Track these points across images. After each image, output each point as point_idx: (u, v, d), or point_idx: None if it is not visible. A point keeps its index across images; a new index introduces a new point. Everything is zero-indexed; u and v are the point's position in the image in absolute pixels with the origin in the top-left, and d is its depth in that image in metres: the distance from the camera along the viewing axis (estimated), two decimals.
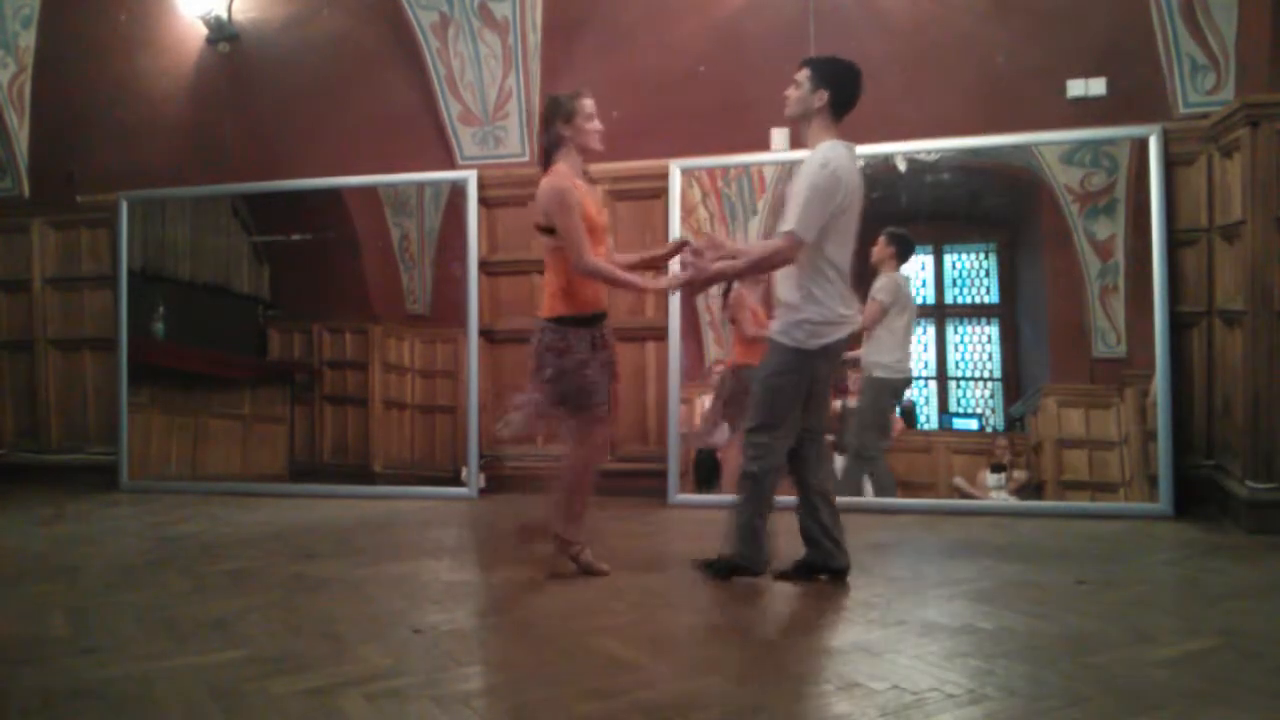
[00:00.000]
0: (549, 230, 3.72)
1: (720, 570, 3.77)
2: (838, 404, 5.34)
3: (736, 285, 5.18)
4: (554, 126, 3.79)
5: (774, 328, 3.71)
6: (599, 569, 3.86)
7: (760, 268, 3.88)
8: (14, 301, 6.70)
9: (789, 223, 3.55)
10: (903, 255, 5.27)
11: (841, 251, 3.65)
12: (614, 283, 3.80)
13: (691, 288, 3.94)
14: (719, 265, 3.75)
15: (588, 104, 3.80)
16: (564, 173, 3.74)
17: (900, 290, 5.25)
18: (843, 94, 3.67)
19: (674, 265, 4.52)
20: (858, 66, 3.71)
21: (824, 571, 3.74)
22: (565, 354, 3.70)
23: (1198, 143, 4.87)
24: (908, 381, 5.39)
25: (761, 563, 3.73)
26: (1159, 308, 4.86)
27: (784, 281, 3.72)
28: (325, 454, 6.15)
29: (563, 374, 3.69)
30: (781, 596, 3.57)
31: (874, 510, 5.12)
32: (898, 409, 5.45)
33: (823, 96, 3.64)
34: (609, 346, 3.84)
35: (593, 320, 3.78)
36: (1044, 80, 5.14)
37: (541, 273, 5.76)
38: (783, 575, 3.76)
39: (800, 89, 3.68)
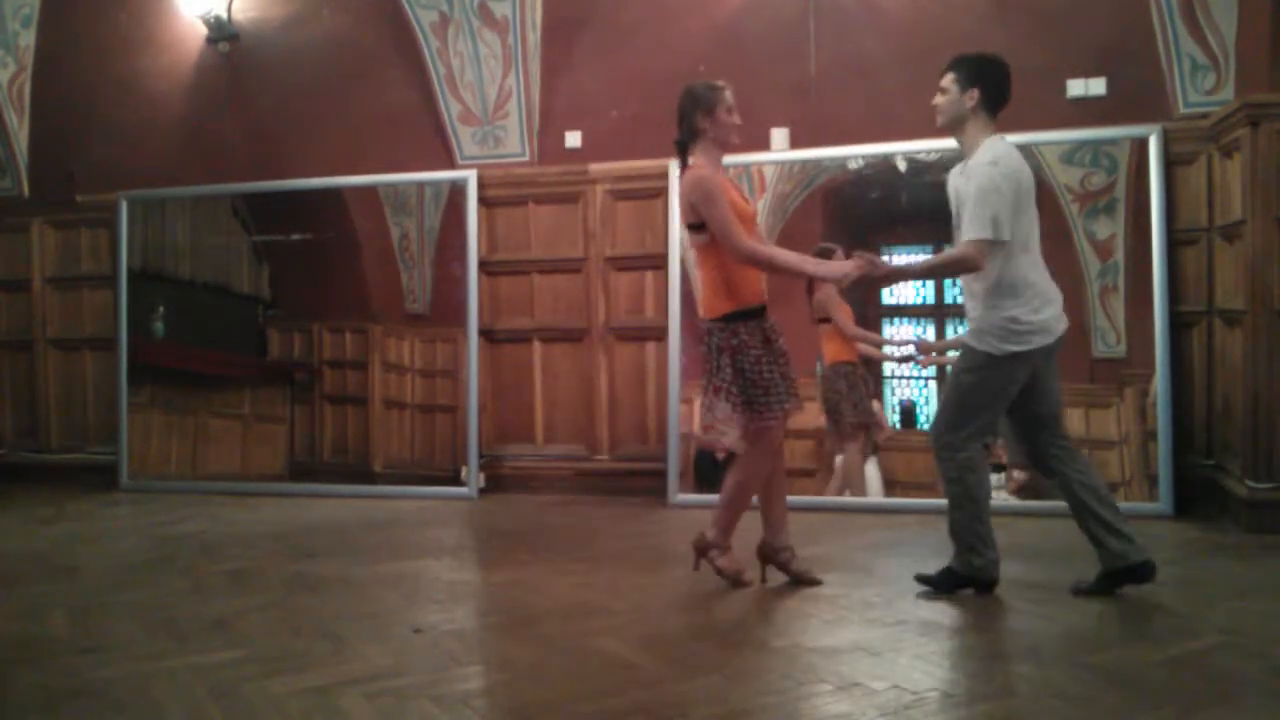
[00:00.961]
0: (698, 226, 3.57)
1: (946, 583, 3.53)
2: None
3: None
4: (692, 119, 3.65)
5: (967, 333, 3.55)
6: (744, 579, 3.67)
7: (939, 273, 3.67)
8: (14, 301, 6.70)
9: (971, 231, 3.37)
10: None
11: (1027, 256, 3.48)
12: (775, 266, 3.62)
13: (862, 279, 3.57)
14: (897, 264, 3.58)
15: (729, 95, 3.69)
16: (703, 165, 3.63)
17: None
18: (995, 88, 3.49)
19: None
20: (1004, 59, 3.56)
21: (1124, 574, 3.41)
22: (740, 352, 3.52)
23: (1198, 143, 4.86)
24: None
25: (989, 569, 3.49)
26: (1159, 307, 4.86)
27: (973, 286, 3.54)
28: (325, 453, 6.15)
29: (741, 373, 3.52)
30: (781, 597, 3.57)
31: (874, 510, 5.13)
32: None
33: (974, 95, 3.48)
34: (780, 338, 3.65)
35: (759, 312, 3.60)
36: (1044, 80, 5.13)
37: (541, 273, 5.89)
38: (1082, 591, 3.47)
39: (948, 94, 3.53)
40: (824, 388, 5.32)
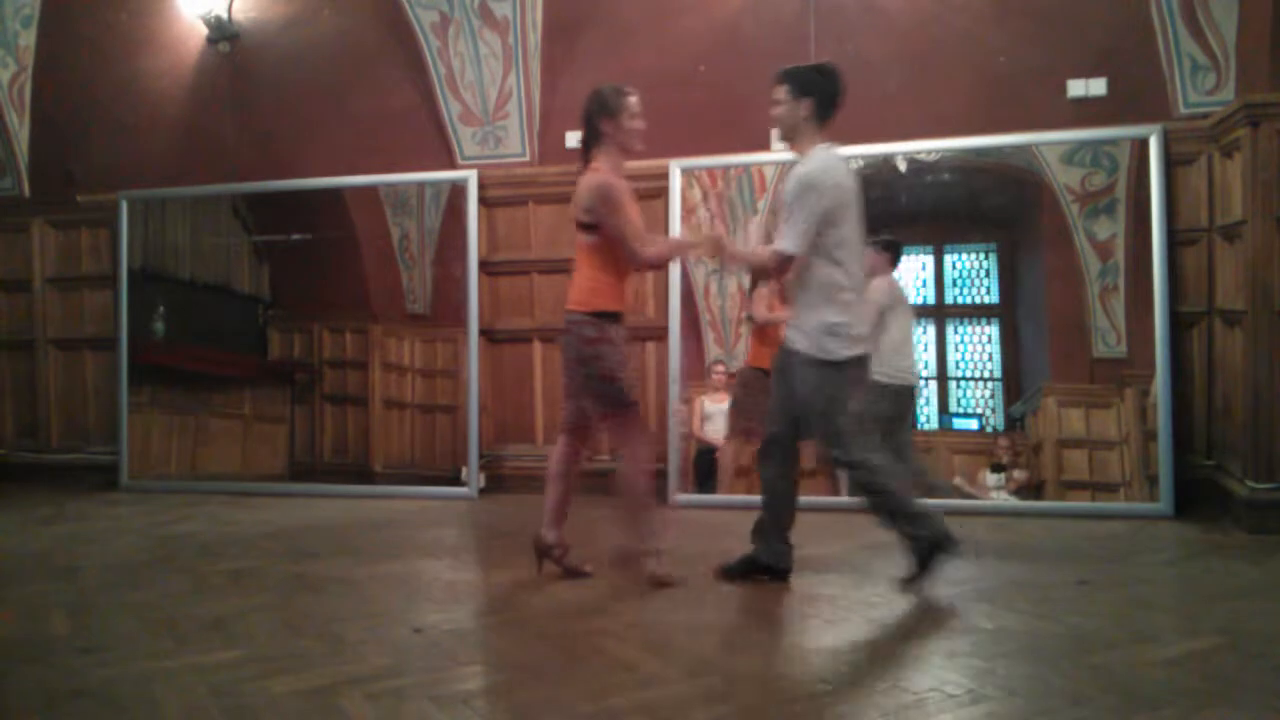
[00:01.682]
0: (589, 226, 3.64)
1: (923, 567, 3.54)
2: None
3: (760, 285, 5.23)
4: (596, 121, 3.69)
5: (801, 343, 3.61)
6: (668, 580, 3.70)
7: (752, 267, 3.86)
8: (14, 301, 6.70)
9: (776, 240, 3.57)
10: (895, 260, 5.26)
11: (849, 266, 3.59)
12: (673, 257, 3.94)
13: (717, 248, 3.80)
14: (735, 250, 3.83)
15: (633, 101, 3.71)
16: (607, 170, 3.67)
17: (895, 293, 5.24)
18: (825, 98, 3.62)
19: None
20: (833, 65, 3.68)
21: (764, 569, 3.74)
22: (610, 344, 3.64)
23: (1198, 143, 4.86)
24: (910, 387, 5.30)
25: (943, 546, 3.51)
26: (1159, 307, 4.86)
27: (800, 296, 3.66)
28: (325, 454, 6.15)
29: (608, 368, 3.64)
30: (781, 597, 3.57)
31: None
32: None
33: (807, 106, 3.60)
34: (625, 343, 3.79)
35: (621, 317, 3.74)
36: (1044, 80, 5.14)
37: (541, 273, 5.88)
38: (729, 572, 3.78)
39: (783, 105, 3.63)
40: (735, 385, 5.47)
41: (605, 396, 3.67)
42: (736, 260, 4.06)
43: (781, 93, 3.63)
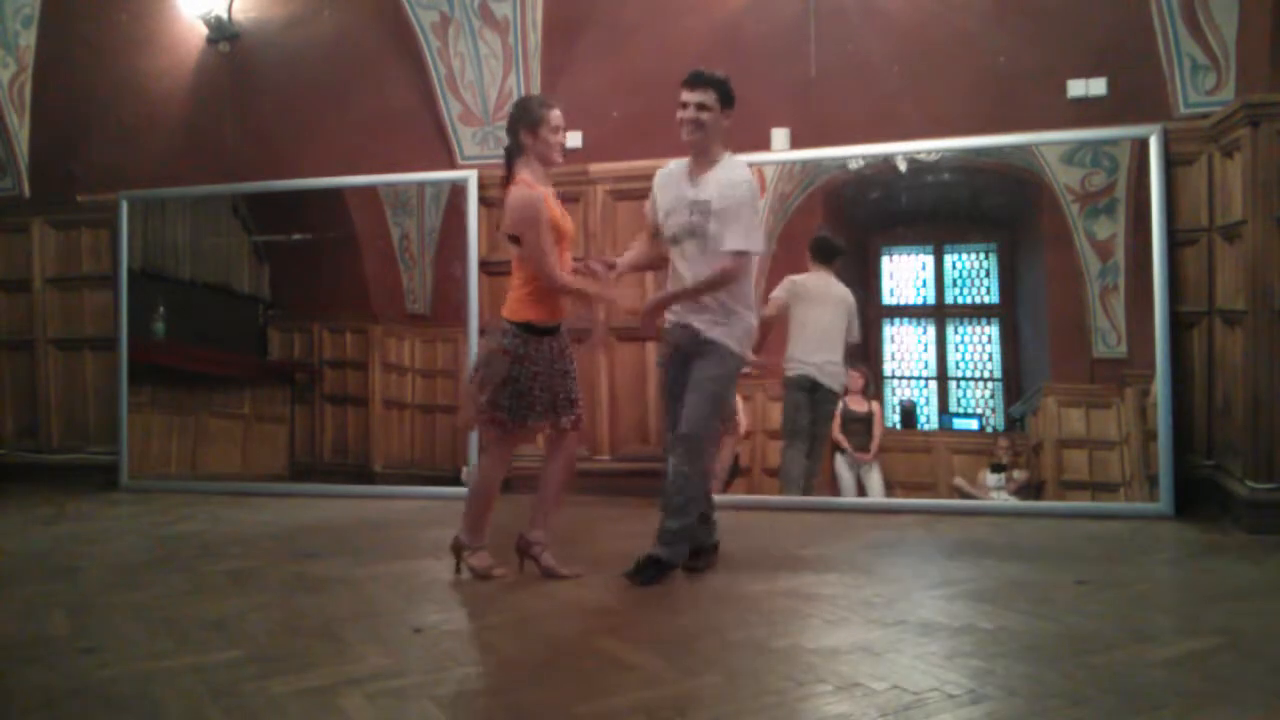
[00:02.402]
0: (516, 239, 3.70)
1: (653, 565, 3.78)
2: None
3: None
4: (516, 133, 3.72)
5: (718, 333, 3.73)
6: (493, 574, 3.81)
7: (709, 291, 3.74)
8: (14, 301, 6.70)
9: (737, 242, 3.66)
10: (819, 257, 5.25)
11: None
12: (581, 296, 3.86)
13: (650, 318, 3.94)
14: (669, 293, 3.85)
15: (555, 115, 3.74)
16: (529, 182, 3.69)
17: (798, 288, 5.24)
18: (731, 108, 3.81)
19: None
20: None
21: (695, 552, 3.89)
22: (521, 361, 3.69)
23: (1198, 143, 4.86)
24: (811, 380, 5.24)
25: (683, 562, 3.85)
26: (1159, 308, 4.86)
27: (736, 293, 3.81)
28: (325, 454, 6.15)
29: (514, 381, 3.69)
30: (781, 597, 3.57)
31: (874, 510, 5.13)
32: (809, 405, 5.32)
33: (728, 116, 3.78)
34: (569, 359, 3.82)
35: (554, 330, 3.78)
36: (1044, 80, 5.14)
37: None
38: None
39: (712, 111, 3.72)
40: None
41: (499, 401, 3.70)
42: (686, 294, 3.84)
43: (710, 99, 3.72)
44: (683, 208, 3.76)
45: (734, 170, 3.75)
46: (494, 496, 3.87)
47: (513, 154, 3.76)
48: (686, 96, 3.74)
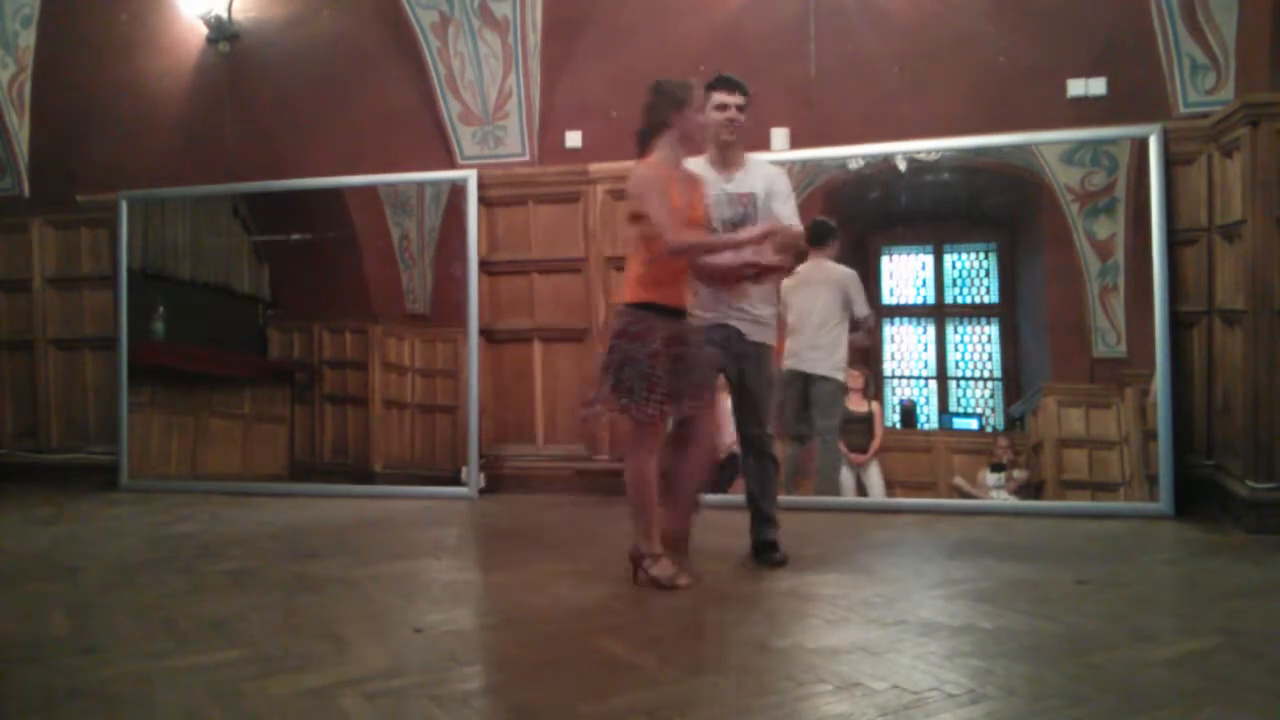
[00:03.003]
0: (636, 218, 3.59)
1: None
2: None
3: None
4: (660, 113, 3.61)
5: (768, 337, 4.02)
6: (678, 583, 3.58)
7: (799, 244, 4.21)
8: (14, 301, 6.70)
9: (796, 220, 3.95)
10: (811, 241, 5.08)
11: None
12: (712, 249, 3.68)
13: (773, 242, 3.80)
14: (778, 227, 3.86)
15: (716, 96, 3.82)
16: (653, 162, 3.61)
17: (793, 278, 5.12)
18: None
19: None
20: None
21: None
22: (636, 339, 3.52)
23: (1198, 142, 4.86)
24: (795, 373, 5.19)
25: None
26: (1159, 307, 4.86)
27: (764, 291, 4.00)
28: (325, 453, 6.15)
29: (631, 361, 3.51)
30: (781, 597, 3.57)
31: (874, 510, 5.13)
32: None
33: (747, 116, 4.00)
34: (693, 347, 3.65)
35: (673, 313, 3.61)
36: (1044, 80, 5.14)
37: (541, 273, 5.88)
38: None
39: (744, 114, 3.93)
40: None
41: (620, 384, 3.51)
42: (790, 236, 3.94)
43: (745, 102, 3.93)
44: (723, 203, 3.89)
45: (764, 163, 4.10)
46: (652, 496, 3.64)
47: (645, 136, 3.66)
48: (727, 99, 3.88)
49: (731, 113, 3.87)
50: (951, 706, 2.48)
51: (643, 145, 3.69)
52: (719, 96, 3.86)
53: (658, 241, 3.52)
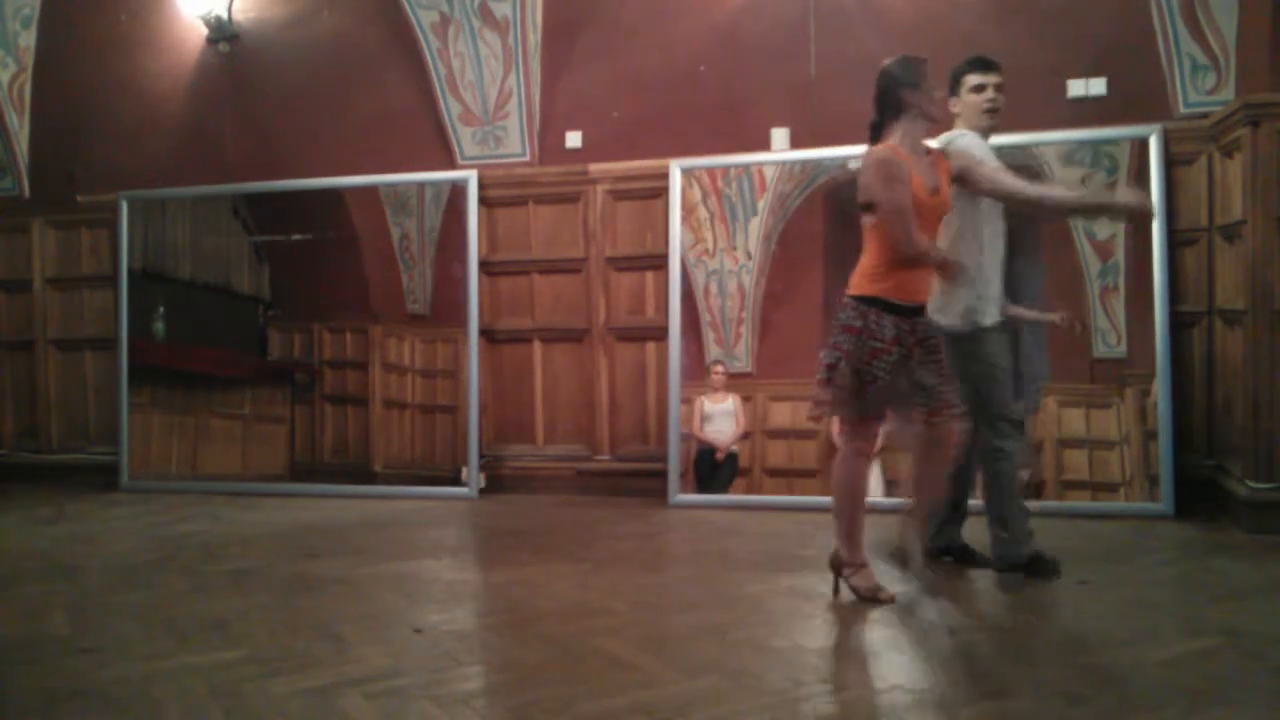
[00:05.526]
0: (869, 206, 3.33)
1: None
2: None
3: None
4: (896, 94, 3.39)
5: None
6: (880, 597, 3.35)
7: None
8: (14, 301, 6.70)
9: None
10: None
11: None
12: (945, 266, 3.36)
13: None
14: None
15: (971, 78, 3.71)
16: (892, 146, 3.36)
17: None
18: None
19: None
20: None
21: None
22: (861, 335, 3.25)
23: (1198, 143, 4.86)
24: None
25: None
26: (1159, 308, 4.86)
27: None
28: (325, 454, 6.15)
29: (851, 356, 3.25)
30: (781, 597, 3.57)
31: (874, 510, 5.11)
32: None
33: None
34: (929, 350, 3.35)
35: (905, 311, 3.30)
36: (1044, 80, 5.14)
37: (541, 273, 5.89)
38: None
39: (1002, 91, 3.72)
40: None
41: (837, 381, 3.28)
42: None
43: (1001, 80, 3.72)
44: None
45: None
46: (860, 501, 3.42)
47: (879, 125, 3.45)
48: (984, 79, 3.69)
49: (989, 93, 3.67)
50: (951, 706, 2.48)
51: (875, 136, 3.46)
52: (974, 78, 3.68)
53: (888, 236, 3.27)
